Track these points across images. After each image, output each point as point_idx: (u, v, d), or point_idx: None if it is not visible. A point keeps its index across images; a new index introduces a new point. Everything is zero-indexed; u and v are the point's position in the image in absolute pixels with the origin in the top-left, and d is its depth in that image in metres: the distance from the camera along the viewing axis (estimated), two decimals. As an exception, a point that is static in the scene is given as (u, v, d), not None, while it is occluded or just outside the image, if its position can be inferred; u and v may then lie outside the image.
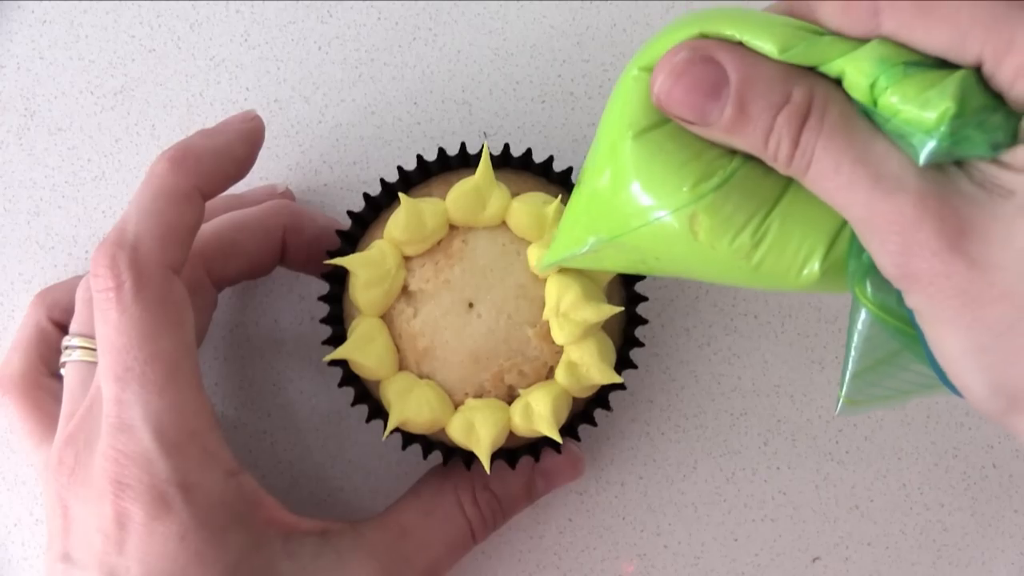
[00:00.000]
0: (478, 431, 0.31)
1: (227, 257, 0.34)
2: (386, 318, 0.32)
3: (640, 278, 0.34)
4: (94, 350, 0.32)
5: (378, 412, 0.33)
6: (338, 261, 0.31)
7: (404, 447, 0.33)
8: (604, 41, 0.39)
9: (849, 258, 0.24)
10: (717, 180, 0.24)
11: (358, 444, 0.38)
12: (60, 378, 0.33)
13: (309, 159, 0.39)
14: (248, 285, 0.38)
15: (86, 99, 0.39)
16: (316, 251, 0.34)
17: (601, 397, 0.33)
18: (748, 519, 0.38)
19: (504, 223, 0.32)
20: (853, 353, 0.25)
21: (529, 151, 0.33)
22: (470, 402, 0.31)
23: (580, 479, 0.37)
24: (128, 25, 0.39)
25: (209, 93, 0.39)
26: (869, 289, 0.24)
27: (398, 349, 0.32)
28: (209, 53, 0.39)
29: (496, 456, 0.32)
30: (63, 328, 0.35)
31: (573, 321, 0.30)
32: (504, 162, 0.33)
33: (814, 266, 0.24)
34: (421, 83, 0.39)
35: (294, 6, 0.39)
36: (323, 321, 0.33)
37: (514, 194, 0.32)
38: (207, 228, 0.33)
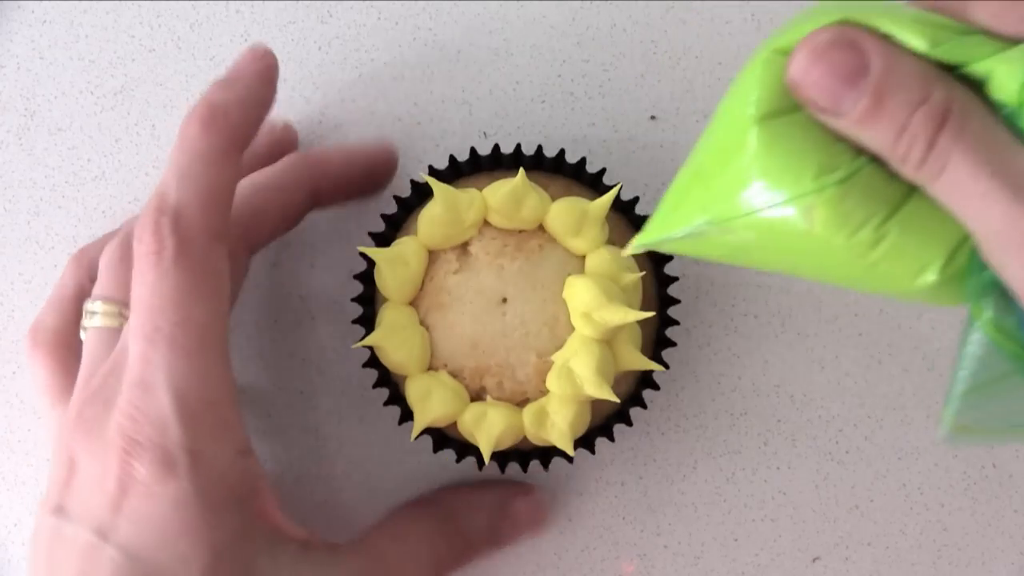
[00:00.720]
0: (487, 426, 0.31)
1: (257, 223, 0.33)
2: (432, 256, 0.32)
3: (674, 301, 0.34)
4: (117, 315, 0.32)
5: (397, 399, 0.33)
6: (367, 251, 0.32)
7: (415, 437, 0.33)
8: (604, 41, 0.39)
9: (969, 274, 0.23)
10: (841, 175, 0.23)
11: (358, 445, 0.38)
12: None
13: (309, 159, 0.39)
14: (247, 287, 0.38)
15: (86, 99, 0.39)
16: (347, 183, 0.34)
17: (620, 413, 0.33)
18: (748, 519, 0.38)
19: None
20: (963, 372, 0.24)
21: (563, 152, 0.33)
22: (489, 400, 0.31)
23: (579, 485, 0.37)
24: (128, 25, 0.39)
25: (209, 93, 0.39)
26: (987, 308, 0.23)
27: (423, 286, 0.32)
28: (209, 53, 0.39)
29: (508, 458, 0.32)
30: None
31: (595, 322, 0.30)
32: (537, 163, 0.33)
33: (931, 275, 0.23)
34: (421, 83, 0.39)
35: (294, 6, 0.39)
36: (355, 300, 0.33)
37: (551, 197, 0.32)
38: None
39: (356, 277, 0.33)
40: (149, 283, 0.28)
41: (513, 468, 0.34)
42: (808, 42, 0.23)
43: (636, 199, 0.34)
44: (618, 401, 0.31)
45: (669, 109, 0.39)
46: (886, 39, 0.23)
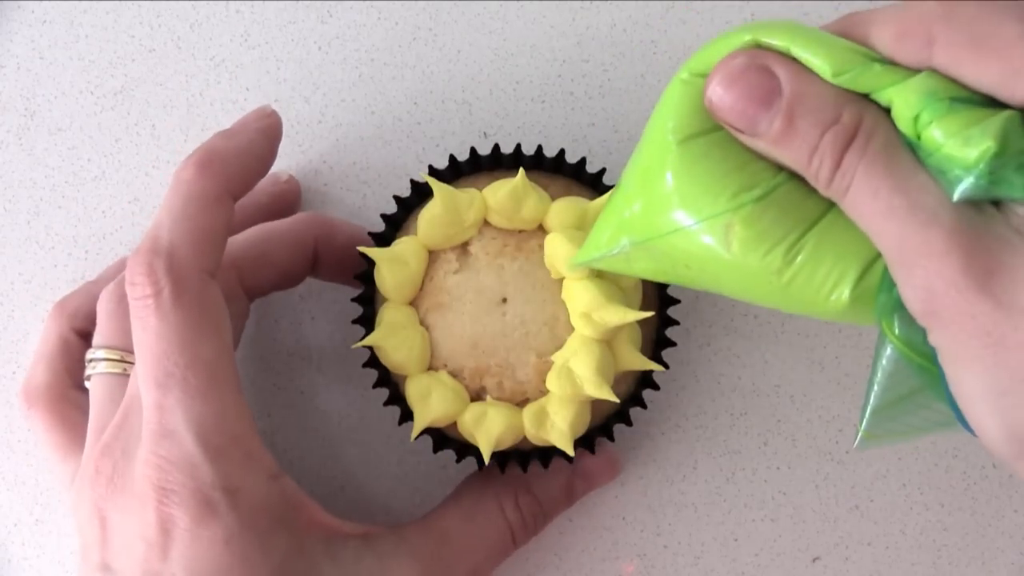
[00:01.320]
0: (487, 425, 0.31)
1: (259, 268, 0.34)
2: (432, 256, 0.32)
3: (674, 305, 0.34)
4: (119, 361, 0.32)
5: (397, 399, 0.33)
6: (366, 251, 0.32)
7: (415, 437, 0.33)
8: (604, 41, 0.39)
9: (879, 291, 0.24)
10: (757, 193, 0.24)
11: (358, 444, 0.38)
12: (86, 390, 0.33)
13: (309, 159, 0.39)
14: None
15: (86, 99, 0.39)
16: (347, 260, 0.34)
17: (620, 414, 0.33)
18: (748, 519, 0.38)
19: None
20: (876, 388, 0.25)
21: (562, 152, 0.33)
22: (489, 400, 0.31)
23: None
24: (128, 25, 0.39)
25: (209, 93, 0.39)
26: (896, 324, 0.24)
27: (423, 286, 0.32)
28: (209, 53, 0.39)
29: (508, 458, 0.33)
30: (86, 337, 0.35)
31: (595, 323, 0.30)
32: (537, 163, 0.33)
33: (843, 293, 0.24)
34: (421, 83, 0.39)
35: (294, 6, 0.39)
36: (355, 300, 0.33)
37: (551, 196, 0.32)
38: (239, 239, 0.33)
39: (356, 277, 0.33)
40: (152, 328, 0.28)
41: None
42: (723, 66, 0.24)
43: (603, 170, 0.34)
44: (618, 401, 0.31)
45: (669, 109, 0.39)
46: (798, 63, 0.24)
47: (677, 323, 0.34)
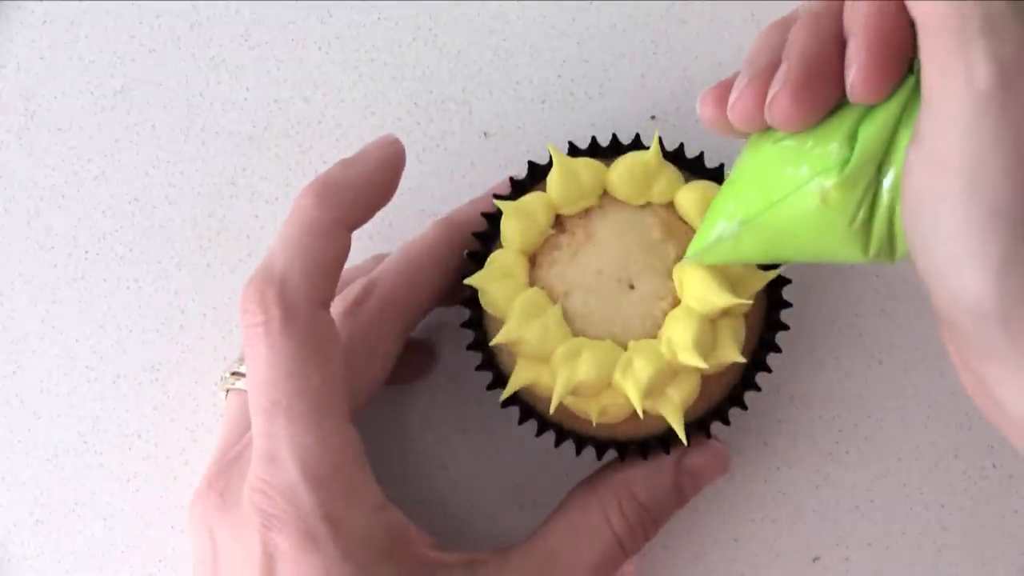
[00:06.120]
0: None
1: (414, 296, 0.33)
2: (558, 224, 0.32)
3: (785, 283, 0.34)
4: None
5: (529, 412, 0.33)
6: (498, 203, 0.32)
7: (539, 433, 0.33)
8: (604, 41, 0.39)
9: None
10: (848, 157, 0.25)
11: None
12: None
13: (309, 159, 0.39)
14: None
15: (86, 99, 0.39)
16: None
17: (733, 397, 0.33)
18: (748, 519, 0.38)
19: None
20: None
21: (681, 146, 0.34)
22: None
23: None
24: (128, 25, 0.39)
25: (209, 93, 0.39)
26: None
27: (545, 251, 0.32)
28: (209, 53, 0.39)
29: (627, 446, 0.33)
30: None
31: (701, 302, 0.31)
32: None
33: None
34: (421, 83, 0.39)
35: (294, 6, 0.39)
36: (463, 325, 0.33)
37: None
38: (386, 271, 0.33)
39: (462, 303, 0.33)
40: (261, 356, 0.28)
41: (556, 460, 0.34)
42: None
43: (722, 165, 0.34)
44: (707, 367, 0.30)
45: (669, 109, 0.39)
46: None
47: (779, 350, 0.34)
